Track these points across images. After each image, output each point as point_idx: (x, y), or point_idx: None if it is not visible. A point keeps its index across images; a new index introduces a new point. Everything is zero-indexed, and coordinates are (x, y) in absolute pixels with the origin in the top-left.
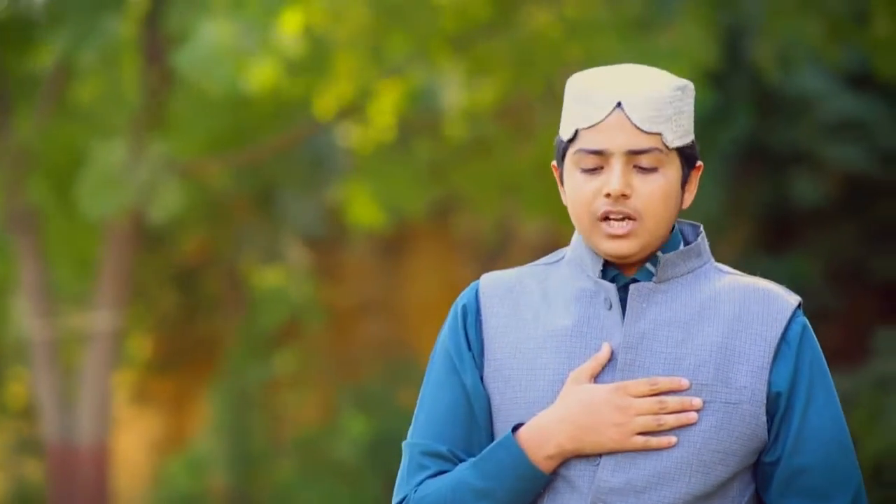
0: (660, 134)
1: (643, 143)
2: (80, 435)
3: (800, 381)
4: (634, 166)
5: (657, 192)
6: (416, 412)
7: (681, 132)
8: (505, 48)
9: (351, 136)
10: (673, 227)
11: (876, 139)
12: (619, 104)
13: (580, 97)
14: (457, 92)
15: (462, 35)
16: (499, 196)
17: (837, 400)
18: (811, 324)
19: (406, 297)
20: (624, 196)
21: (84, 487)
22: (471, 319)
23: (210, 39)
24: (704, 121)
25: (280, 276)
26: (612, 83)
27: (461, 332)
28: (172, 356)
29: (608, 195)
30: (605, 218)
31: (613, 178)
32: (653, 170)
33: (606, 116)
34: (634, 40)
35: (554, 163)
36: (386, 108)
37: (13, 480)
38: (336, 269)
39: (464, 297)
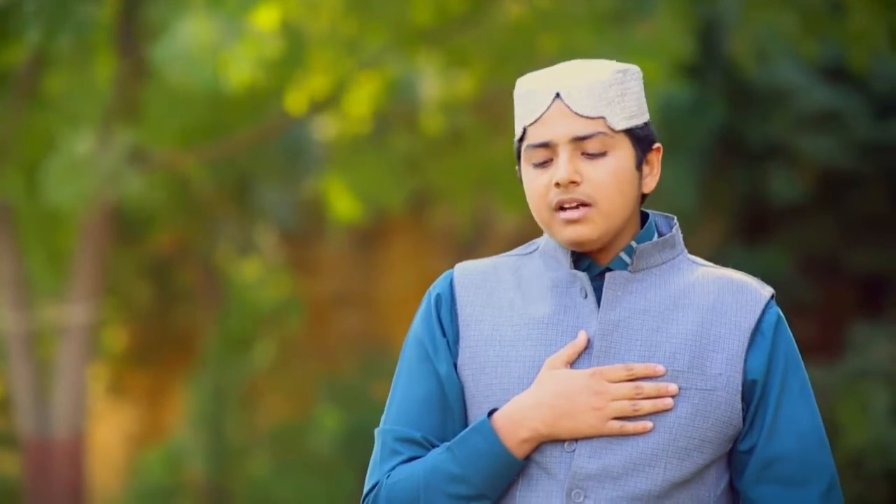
0: (603, 117)
1: (586, 128)
2: (56, 428)
3: (774, 371)
4: (582, 153)
5: (607, 176)
6: (388, 400)
7: (627, 114)
8: (481, 41)
9: (327, 128)
10: (647, 218)
11: (851, 132)
12: (557, 95)
13: (524, 97)
14: (433, 84)
15: (438, 27)
16: (475, 189)
17: (811, 391)
18: (786, 317)
19: (382, 290)
20: (574, 183)
21: (60, 480)
22: (445, 308)
23: (188, 36)
24: (680, 113)
25: (256, 269)
26: (551, 78)
27: (435, 321)
28: (148, 349)
29: (558, 184)
30: (561, 208)
31: (561, 166)
32: (601, 154)
33: (547, 109)
34: (610, 33)
35: (517, 166)
36: (362, 101)
37: None
38: (312, 261)
39: (437, 287)
